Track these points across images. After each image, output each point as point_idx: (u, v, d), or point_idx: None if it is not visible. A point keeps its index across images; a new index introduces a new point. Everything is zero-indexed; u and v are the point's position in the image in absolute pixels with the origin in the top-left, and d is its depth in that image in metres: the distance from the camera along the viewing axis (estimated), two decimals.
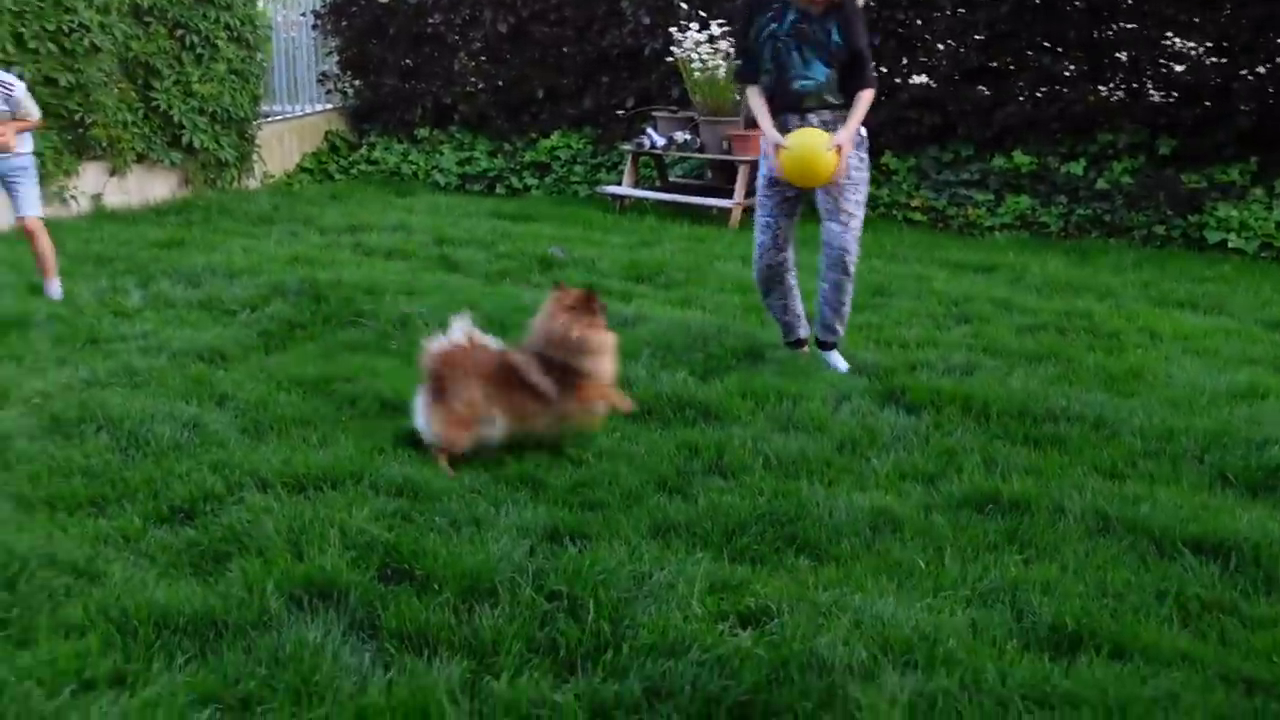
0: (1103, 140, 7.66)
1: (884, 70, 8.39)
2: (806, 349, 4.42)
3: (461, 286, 5.52)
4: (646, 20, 8.91)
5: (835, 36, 3.96)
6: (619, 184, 8.59)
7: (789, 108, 4.05)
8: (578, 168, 9.29)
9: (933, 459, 3.33)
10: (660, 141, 8.41)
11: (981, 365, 4.29)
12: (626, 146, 8.62)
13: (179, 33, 8.27)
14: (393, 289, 5.23)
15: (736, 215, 7.84)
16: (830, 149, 3.86)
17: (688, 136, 8.36)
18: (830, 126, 4.01)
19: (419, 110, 10.21)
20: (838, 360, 4.33)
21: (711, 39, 7.88)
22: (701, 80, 8.02)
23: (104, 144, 7.75)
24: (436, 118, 10.24)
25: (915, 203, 7.97)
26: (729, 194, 8.02)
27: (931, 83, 8.25)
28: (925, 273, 6.11)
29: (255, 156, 9.22)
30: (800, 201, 4.22)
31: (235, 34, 8.75)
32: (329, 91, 10.80)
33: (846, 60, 4.00)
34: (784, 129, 4.04)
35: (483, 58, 9.96)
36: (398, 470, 3.13)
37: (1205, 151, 7.27)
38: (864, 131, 4.10)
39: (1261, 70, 7.15)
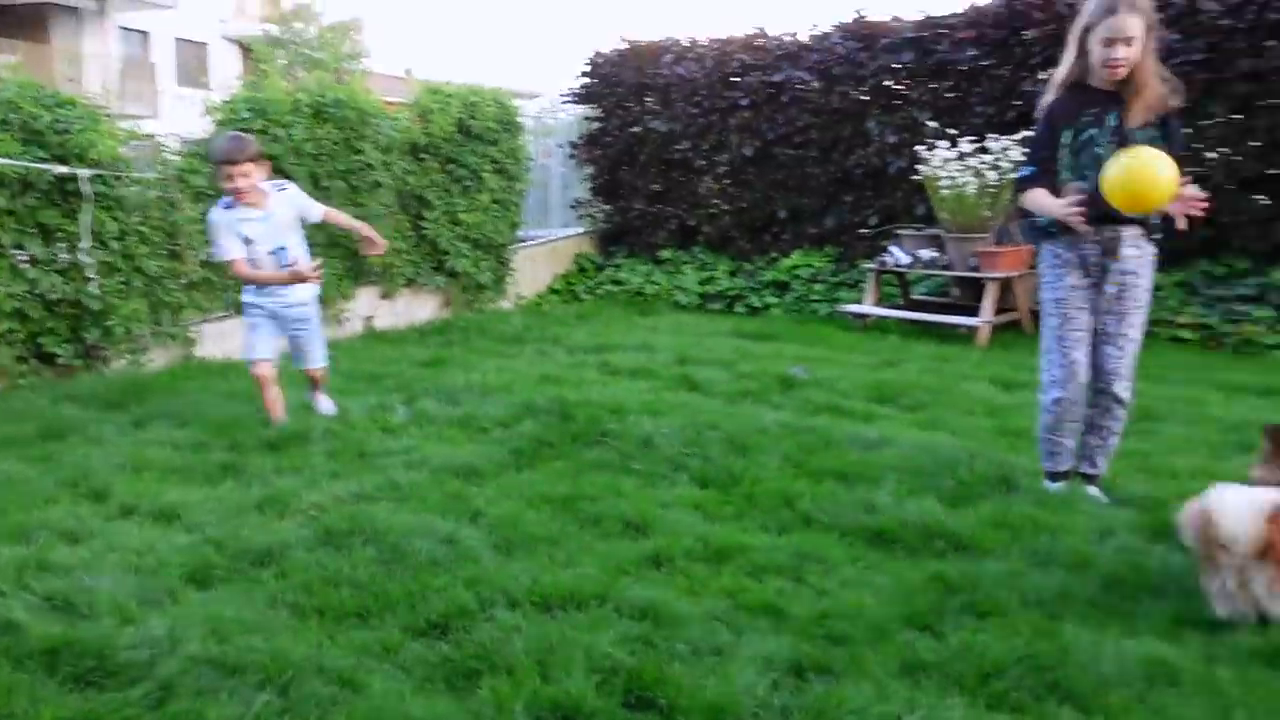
0: None
1: None
2: (1068, 483, 4.15)
3: (703, 407, 5.58)
4: (892, 139, 8.93)
5: (1161, 145, 3.66)
6: (860, 302, 8.52)
7: (1106, 218, 3.76)
8: (818, 286, 9.31)
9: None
10: (904, 259, 8.32)
11: None
12: (869, 265, 8.58)
13: (449, 166, 8.99)
14: (636, 408, 5.35)
15: (985, 334, 7.60)
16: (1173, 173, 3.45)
17: (934, 254, 8.23)
18: (1140, 242, 3.89)
19: (663, 232, 10.60)
20: (1098, 495, 4.07)
21: (960, 156, 7.79)
22: (949, 197, 7.91)
23: (378, 270, 8.46)
24: (680, 239, 10.58)
25: (1183, 319, 7.46)
26: (975, 312, 7.79)
27: (1203, 192, 7.76)
28: (1198, 395, 5.67)
29: (510, 279, 9.80)
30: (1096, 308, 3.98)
31: (499, 166, 9.42)
32: (580, 216, 11.40)
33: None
34: (1098, 239, 3.87)
35: (727, 180, 10.26)
36: (640, 593, 3.15)
37: None
38: (1153, 255, 3.93)
39: None
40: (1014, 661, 2.71)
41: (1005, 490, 4.09)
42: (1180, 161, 3.55)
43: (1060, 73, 3.92)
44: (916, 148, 8.29)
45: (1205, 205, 3.57)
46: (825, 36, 9.48)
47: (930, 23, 8.82)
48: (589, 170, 11.22)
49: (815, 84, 9.41)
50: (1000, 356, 7.05)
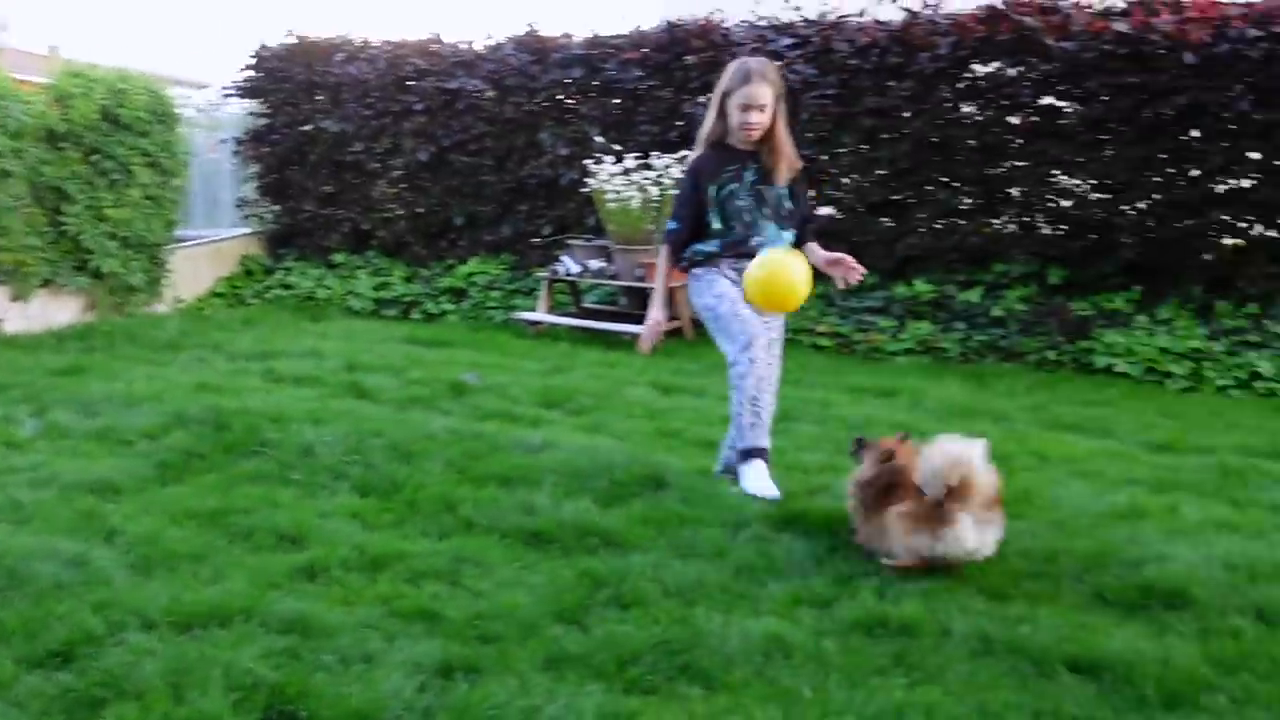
0: (997, 270, 8.03)
1: None
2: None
3: (370, 414, 5.51)
4: (564, 151, 9.20)
5: (787, 201, 4.36)
6: (534, 310, 8.71)
7: (743, 255, 4.24)
8: (494, 293, 9.41)
9: (828, 584, 3.38)
10: (575, 268, 8.59)
11: None
12: (542, 273, 8.78)
13: (93, 158, 8.30)
14: (299, 416, 5.20)
15: None
16: (806, 276, 3.98)
17: (602, 264, 8.56)
18: None
19: (336, 235, 10.32)
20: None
21: (626, 171, 8.15)
22: (616, 210, 8.25)
23: (8, 269, 7.66)
24: (354, 243, 10.34)
25: (822, 329, 8.21)
26: (641, 320, 8.14)
27: (838, 214, 8.61)
28: (829, 398, 6.27)
29: (166, 281, 9.17)
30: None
31: (152, 160, 8.79)
32: (247, 216, 10.86)
33: (798, 224, 4.39)
34: (737, 268, 4.26)
35: (402, 185, 10.15)
36: (290, 605, 3.08)
37: (1092, 281, 7.67)
38: None
39: (1141, 206, 7.61)
40: (650, 647, 2.90)
41: (656, 488, 4.33)
42: (810, 218, 4.25)
43: (704, 132, 4.35)
44: (586, 161, 8.60)
45: (861, 273, 4.24)
46: (499, 47, 9.61)
47: (599, 42, 9.17)
48: (255, 169, 10.72)
49: (490, 93, 9.52)
50: (662, 363, 7.44)
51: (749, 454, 4.35)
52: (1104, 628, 3.05)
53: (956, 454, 3.34)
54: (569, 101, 9.39)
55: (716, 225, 4.34)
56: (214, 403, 5.41)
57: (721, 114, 4.28)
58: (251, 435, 4.83)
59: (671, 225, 4.44)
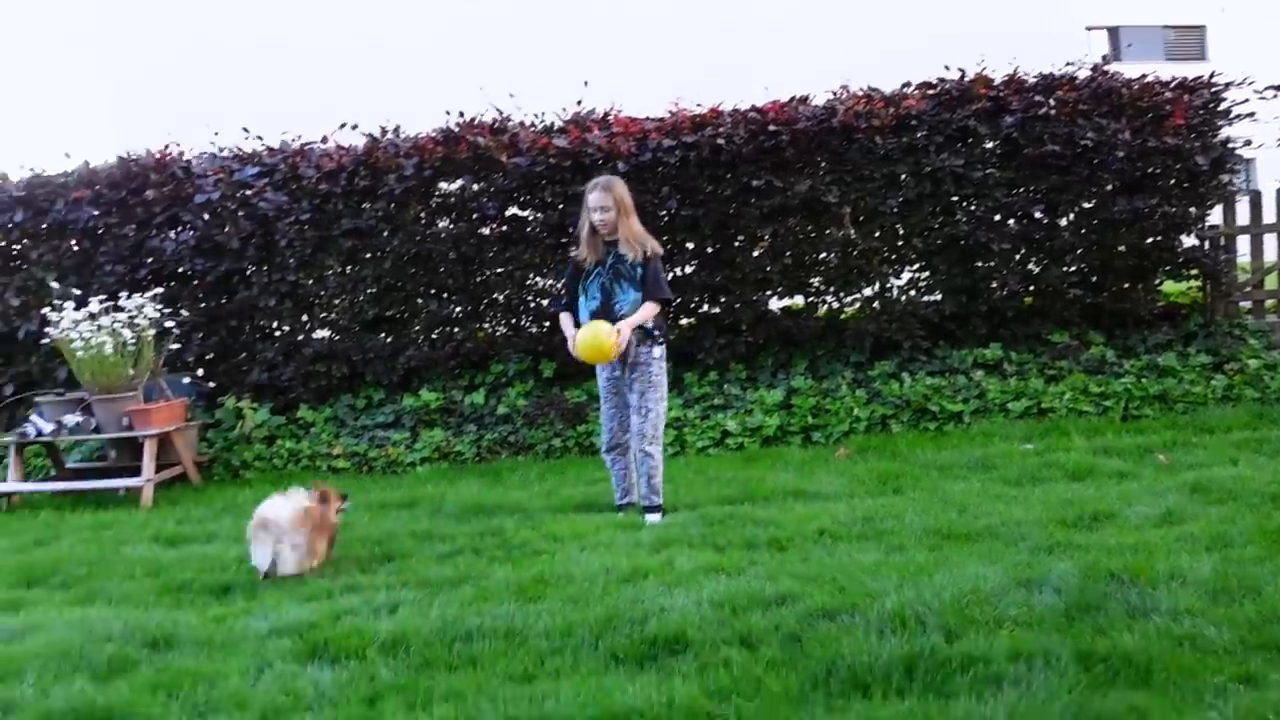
0: (496, 370, 8.47)
1: (286, 329, 8.59)
2: (626, 512, 5.92)
3: None
4: (16, 302, 8.30)
5: (639, 273, 5.73)
6: (3, 480, 7.68)
7: (611, 320, 5.67)
8: None
9: (357, 708, 3.33)
10: (48, 428, 7.72)
11: (404, 600, 4.39)
12: (8, 439, 7.78)
13: None
14: None
15: (148, 493, 7.36)
16: (612, 334, 5.56)
17: (79, 419, 7.78)
18: (642, 339, 5.77)
19: None
20: (654, 519, 5.73)
21: (92, 316, 7.51)
22: (87, 359, 7.56)
23: None
24: None
25: (336, 450, 8.09)
26: (137, 472, 7.52)
27: (334, 335, 8.59)
28: (349, 520, 6.18)
29: None
30: (624, 391, 5.87)
31: None
32: None
33: (647, 288, 5.73)
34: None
35: None
36: None
37: (580, 370, 8.32)
38: (658, 351, 5.80)
39: None
40: None
41: (164, 649, 4.01)
42: (655, 284, 5.72)
43: (581, 231, 5.84)
44: (45, 310, 7.82)
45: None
46: None
47: (41, 181, 8.46)
48: None
49: None
50: (167, 513, 6.90)
51: (617, 508, 6.04)
52: (619, 686, 3.31)
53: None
54: (15, 246, 8.51)
55: (593, 295, 5.86)
56: None
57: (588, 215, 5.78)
58: None
59: (558, 305, 6.21)
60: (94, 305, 7.54)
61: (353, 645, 3.84)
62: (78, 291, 7.89)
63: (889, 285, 8.62)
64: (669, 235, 7.98)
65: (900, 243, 8.41)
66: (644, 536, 5.29)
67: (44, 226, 8.39)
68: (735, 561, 4.71)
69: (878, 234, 8.25)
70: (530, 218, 8.33)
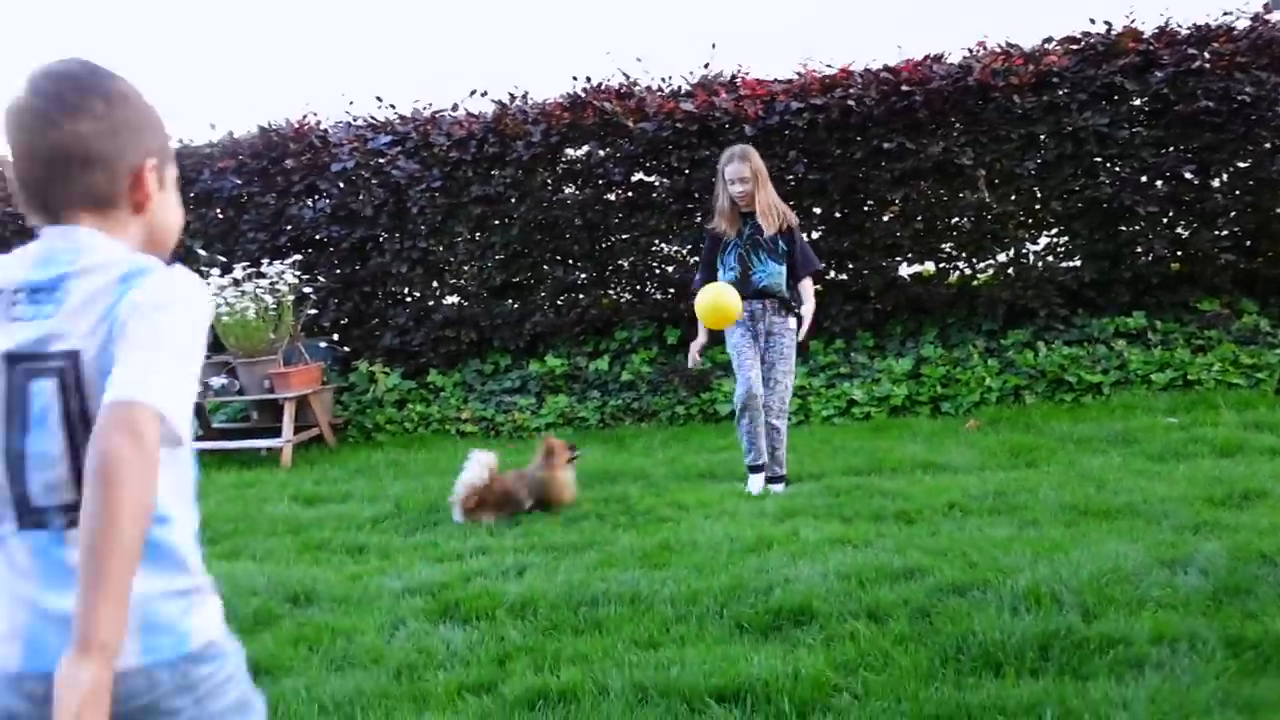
0: (620, 337, 8.50)
1: (417, 295, 8.80)
2: (761, 477, 5.74)
3: None
4: None
5: (782, 245, 5.66)
6: None
7: (751, 295, 5.62)
8: None
9: (487, 667, 3.40)
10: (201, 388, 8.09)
11: (531, 564, 4.48)
12: None
13: None
14: None
15: (287, 453, 7.67)
16: (737, 301, 5.37)
17: (225, 380, 8.14)
18: (779, 309, 5.71)
19: None
20: (778, 489, 5.69)
21: (236, 282, 7.84)
22: (231, 324, 7.89)
23: None
24: None
25: (465, 414, 8.28)
26: (277, 433, 7.84)
27: (463, 301, 8.76)
28: None
29: None
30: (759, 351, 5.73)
31: None
32: None
33: (798, 262, 5.71)
34: (747, 309, 5.56)
35: None
36: None
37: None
38: (793, 323, 5.74)
39: None
40: None
41: (305, 604, 4.17)
42: (803, 256, 5.72)
43: (716, 203, 5.76)
44: None
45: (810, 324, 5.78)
46: None
47: (189, 151, 8.82)
48: None
49: None
50: (304, 474, 7.18)
51: (749, 469, 5.75)
52: (744, 655, 3.30)
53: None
54: None
55: (731, 267, 5.74)
56: None
57: (725, 187, 5.69)
58: None
59: (698, 278, 5.90)
60: (238, 272, 7.86)
61: (483, 606, 3.93)
62: (223, 258, 8.22)
63: (1025, 251, 8.32)
64: (795, 200, 7.84)
65: (1038, 206, 8.10)
66: (768, 506, 5.26)
67: (191, 195, 8.76)
68: (862, 533, 4.64)
69: (1014, 197, 7.95)
70: (656, 183, 8.31)
